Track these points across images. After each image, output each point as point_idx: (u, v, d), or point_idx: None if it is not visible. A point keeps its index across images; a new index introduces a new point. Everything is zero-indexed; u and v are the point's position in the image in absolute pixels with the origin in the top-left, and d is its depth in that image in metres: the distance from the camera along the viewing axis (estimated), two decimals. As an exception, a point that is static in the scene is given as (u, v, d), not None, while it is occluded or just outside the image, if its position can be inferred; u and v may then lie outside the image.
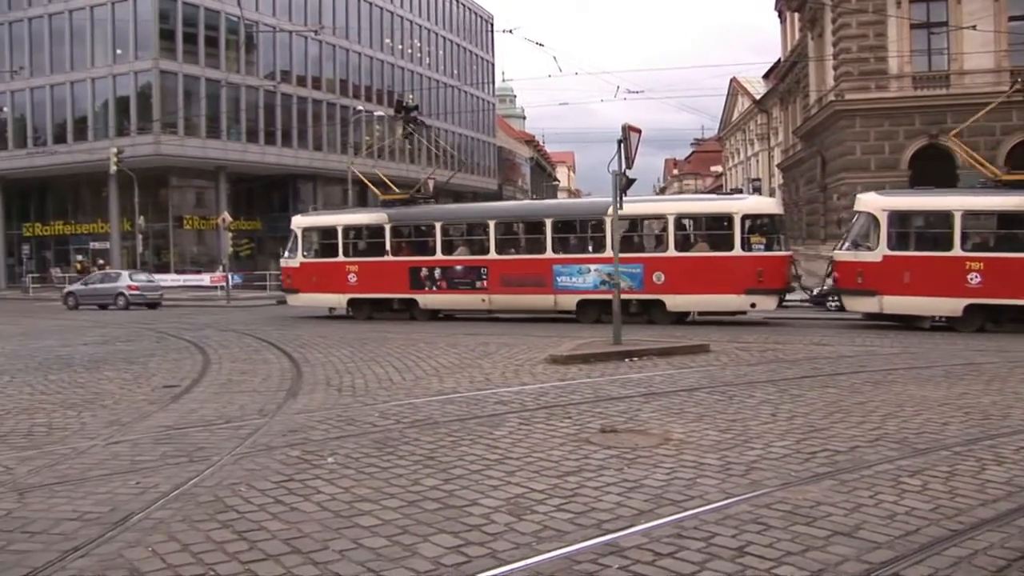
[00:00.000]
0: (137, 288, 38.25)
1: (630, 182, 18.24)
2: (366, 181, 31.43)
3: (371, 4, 72.70)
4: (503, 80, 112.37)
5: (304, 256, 28.63)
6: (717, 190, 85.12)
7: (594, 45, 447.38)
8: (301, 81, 65.29)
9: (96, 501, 7.10)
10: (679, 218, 24.07)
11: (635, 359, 15.40)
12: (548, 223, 24.94)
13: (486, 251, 25.73)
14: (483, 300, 25.68)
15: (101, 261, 57.44)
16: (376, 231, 27.45)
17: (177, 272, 55.00)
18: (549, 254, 24.76)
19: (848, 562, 5.39)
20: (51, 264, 61.44)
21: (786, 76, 58.01)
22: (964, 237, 20.94)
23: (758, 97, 72.17)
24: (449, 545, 5.85)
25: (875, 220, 21.83)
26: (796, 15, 51.82)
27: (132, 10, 55.68)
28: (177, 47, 56.50)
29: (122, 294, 37.16)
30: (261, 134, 61.25)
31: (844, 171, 37.64)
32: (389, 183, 31.28)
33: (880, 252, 21.51)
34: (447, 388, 12.56)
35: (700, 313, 24.68)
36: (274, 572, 5.48)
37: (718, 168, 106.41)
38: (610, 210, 20.83)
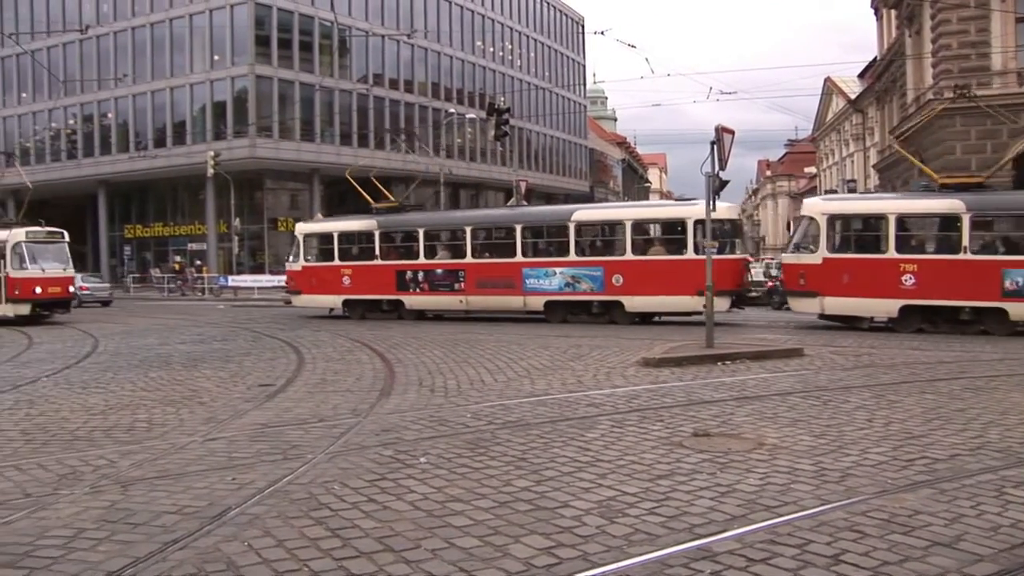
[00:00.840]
0: (87, 288, 42.45)
1: (723, 184, 18.05)
2: (357, 187, 32.87)
3: (462, 7, 73.16)
4: (594, 82, 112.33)
5: (306, 260, 30.48)
6: (811, 192, 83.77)
7: (686, 45, 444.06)
8: (393, 84, 65.98)
9: (194, 496, 7.27)
10: (636, 223, 25.19)
11: (728, 362, 15.22)
12: (518, 229, 26.42)
13: (463, 255, 27.22)
14: (461, 301, 27.24)
15: (199, 262, 58.71)
16: (367, 237, 29.25)
17: (272, 273, 55.93)
18: (519, 258, 26.17)
19: (949, 574, 5.27)
20: (151, 265, 62.96)
21: (882, 75, 56.78)
22: (898, 240, 21.56)
23: (853, 97, 70.80)
24: (540, 546, 5.86)
25: (816, 224, 22.54)
26: (893, 12, 50.68)
27: (229, 17, 56.88)
28: (272, 52, 57.55)
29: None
30: (355, 137, 62.00)
31: (944, 171, 36.70)
32: (381, 187, 33.13)
33: (820, 255, 22.19)
34: (539, 390, 12.56)
35: (662, 314, 25.64)
36: (367, 570, 5.55)
37: (812, 169, 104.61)
38: (575, 216, 25.70)
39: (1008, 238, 21.38)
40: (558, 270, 25.42)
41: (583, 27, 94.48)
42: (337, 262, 29.52)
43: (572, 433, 9.39)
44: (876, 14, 57.59)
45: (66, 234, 31.49)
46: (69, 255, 31.12)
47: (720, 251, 22.90)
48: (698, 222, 23.18)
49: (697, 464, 7.96)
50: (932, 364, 15.29)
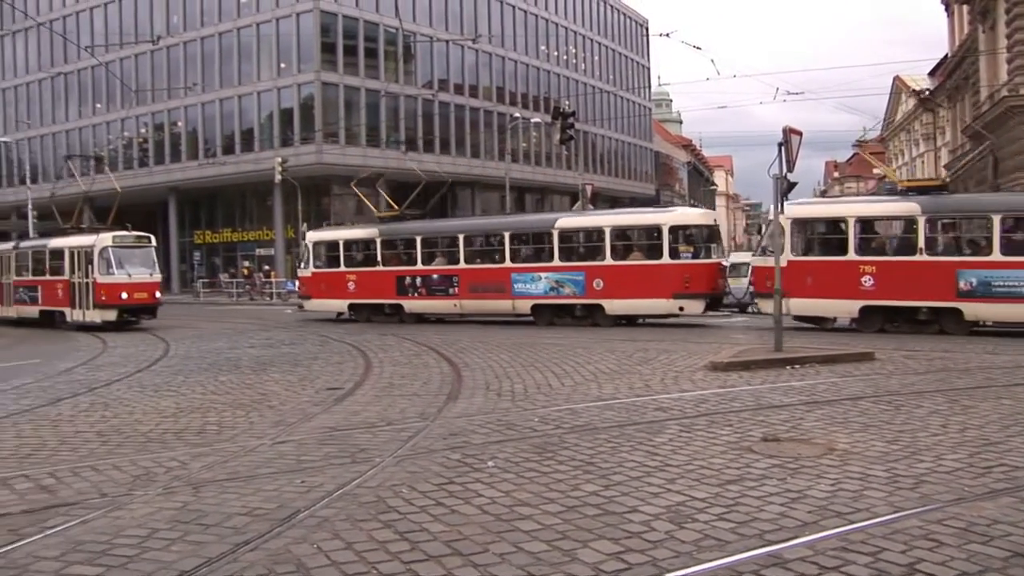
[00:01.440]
0: None
1: (791, 186, 17.83)
2: (362, 196, 35.66)
3: (526, 12, 73.25)
4: (659, 84, 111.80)
5: (315, 267, 32.31)
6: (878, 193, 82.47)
7: (752, 46, 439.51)
8: (458, 89, 66.25)
9: (264, 498, 7.36)
10: (614, 230, 26.15)
11: (797, 366, 15.03)
12: (506, 236, 27.82)
13: (457, 261, 28.51)
14: (455, 305, 28.58)
15: (267, 267, 59.37)
16: (370, 244, 30.94)
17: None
18: (507, 264, 27.47)
19: (1030, 585, 5.15)
20: (220, 270, 63.85)
21: (954, 72, 55.63)
22: (857, 242, 22.12)
23: (923, 95, 69.57)
24: (609, 551, 5.84)
25: (781, 228, 21.64)
26: (964, 7, 49.71)
27: (295, 25, 57.51)
28: (338, 59, 58.07)
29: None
30: (420, 142, 62.34)
31: (1019, 171, 35.85)
32: (388, 198, 36.26)
33: (785, 257, 21.76)
34: (606, 394, 12.51)
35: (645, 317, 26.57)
36: (435, 573, 5.57)
37: (881, 170, 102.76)
38: (558, 223, 27.00)
39: (962, 239, 21.95)
40: (543, 275, 26.69)
41: (647, 29, 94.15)
42: (343, 268, 31.27)
43: (640, 437, 9.34)
44: (947, 10, 56.52)
45: (153, 239, 31.37)
46: (156, 260, 30.86)
47: (695, 256, 25.01)
48: (672, 228, 24.86)
49: (767, 469, 7.87)
50: (1009, 369, 14.95)
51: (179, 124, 65.28)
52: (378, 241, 30.43)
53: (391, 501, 7.14)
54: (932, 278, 20.95)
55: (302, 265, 33.56)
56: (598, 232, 26.41)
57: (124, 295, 28.98)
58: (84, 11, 68.16)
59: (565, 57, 78.68)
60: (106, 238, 29.37)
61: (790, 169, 17.16)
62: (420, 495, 7.30)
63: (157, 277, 30.48)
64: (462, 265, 28.25)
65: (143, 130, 67.22)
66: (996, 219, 20.47)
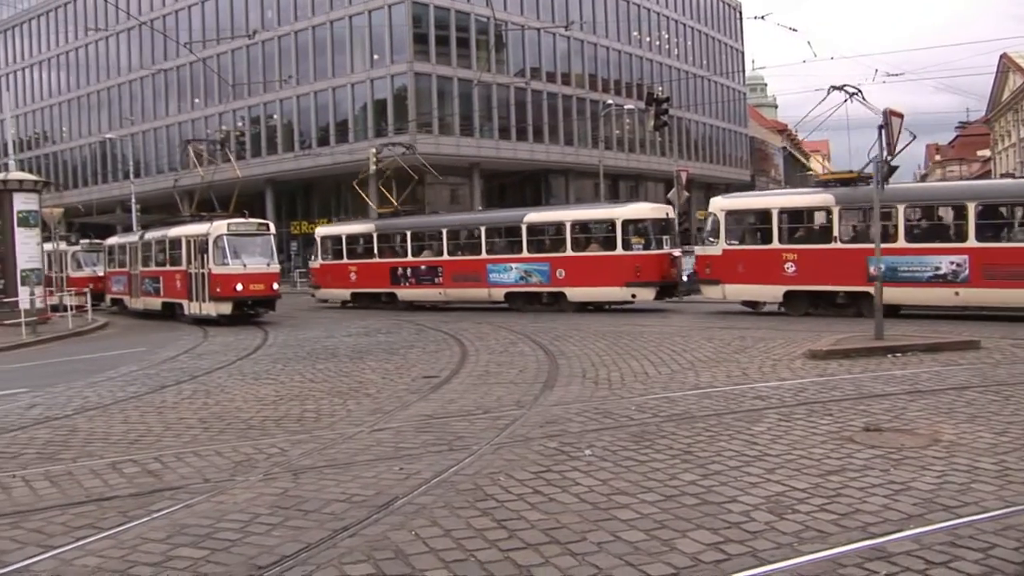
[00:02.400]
0: None
1: (892, 170, 17.44)
2: (364, 196, 38.74)
3: (618, -3, 72.83)
4: (753, 68, 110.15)
5: (323, 259, 35.41)
6: (985, 175, 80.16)
7: (850, 26, 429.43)
8: (551, 77, 66.12)
9: (362, 485, 7.45)
10: (574, 224, 28.51)
11: (898, 355, 14.67)
12: (483, 230, 30.42)
13: (441, 254, 31.34)
14: (440, 293, 31.40)
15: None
16: (368, 238, 34.11)
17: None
18: (484, 255, 30.04)
19: None
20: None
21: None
22: (780, 232, 23.75)
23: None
24: (708, 542, 5.78)
25: (717, 219, 24.94)
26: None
27: (387, 17, 57.98)
28: (430, 49, 58.39)
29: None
30: (513, 131, 62.42)
31: None
32: (390, 196, 38.84)
33: (720, 247, 24.70)
34: (703, 382, 12.39)
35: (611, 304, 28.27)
36: (533, 561, 5.56)
37: (986, 152, 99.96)
38: (526, 218, 29.26)
39: (871, 228, 20.38)
40: (514, 265, 29.28)
41: (740, 13, 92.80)
42: (345, 260, 34.54)
43: (738, 426, 9.23)
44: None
45: (272, 226, 29.73)
46: (274, 249, 28.89)
47: (646, 247, 27.16)
48: (624, 222, 27.14)
49: (869, 460, 7.70)
50: (1125, 357, 14.40)
51: (275, 117, 66.32)
52: (374, 236, 33.71)
53: (488, 489, 7.16)
54: (846, 264, 22.33)
55: (312, 257, 37.14)
56: (560, 226, 28.72)
57: (239, 287, 27.02)
58: (183, 9, 69.68)
59: (658, 43, 78.01)
60: (221, 226, 27.62)
61: (891, 152, 16.78)
62: (517, 483, 7.31)
63: (275, 267, 28.46)
64: (446, 257, 31.09)
65: (240, 123, 68.49)
66: (900, 208, 21.84)
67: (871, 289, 20.45)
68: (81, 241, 42.64)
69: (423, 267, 31.75)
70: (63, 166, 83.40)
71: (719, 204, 25.39)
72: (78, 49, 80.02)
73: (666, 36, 79.39)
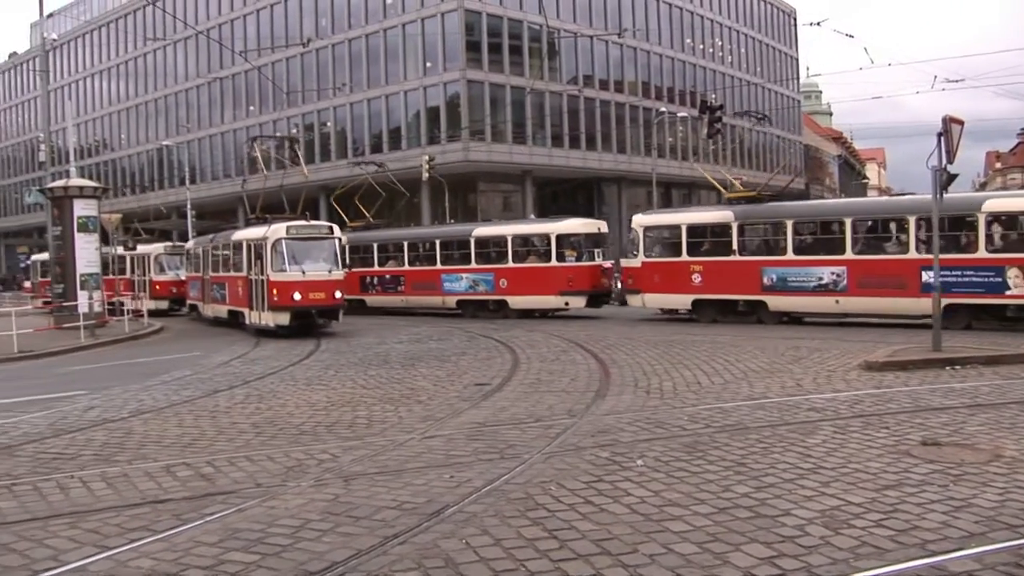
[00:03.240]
0: None
1: (951, 178, 17.08)
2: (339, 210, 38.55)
3: (671, 5, 72.46)
4: (808, 75, 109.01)
5: None
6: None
7: (908, 32, 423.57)
8: (603, 85, 65.96)
9: (413, 492, 7.45)
10: (515, 238, 31.20)
11: (957, 367, 14.42)
12: (437, 243, 33.40)
13: (402, 264, 34.36)
14: (402, 300, 34.25)
15: (416, 263, 60.21)
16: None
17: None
18: (439, 266, 32.86)
19: None
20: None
21: None
22: (688, 246, 26.27)
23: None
24: (761, 556, 5.71)
25: (637, 234, 27.60)
26: None
27: (440, 25, 58.15)
28: (483, 57, 58.47)
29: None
30: (565, 138, 62.35)
31: None
32: (364, 210, 40.04)
33: (640, 259, 27.41)
34: (757, 393, 12.28)
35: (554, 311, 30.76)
36: (584, 572, 5.53)
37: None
38: (474, 232, 32.24)
39: (766, 242, 25.55)
40: (464, 275, 32.14)
41: (795, 19, 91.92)
42: None
43: (792, 438, 9.11)
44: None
45: (336, 228, 26.96)
46: (339, 254, 26.18)
47: (578, 259, 29.76)
48: (559, 236, 29.79)
49: (927, 475, 7.55)
50: None
51: (328, 124, 66.75)
52: (347, 246, 33.79)
53: (539, 498, 7.13)
54: (744, 275, 24.84)
55: None
56: (503, 240, 31.35)
57: (297, 295, 24.49)
58: (238, 18, 70.44)
59: (711, 50, 77.53)
60: (280, 229, 25.24)
61: (950, 160, 16.46)
62: (569, 492, 7.27)
63: (338, 274, 25.74)
64: (406, 267, 34.14)
65: (294, 131, 69.06)
66: (789, 224, 24.28)
67: (764, 297, 24.63)
68: (165, 244, 42.61)
69: (387, 276, 34.99)
70: (121, 173, 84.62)
71: (639, 221, 28.11)
72: (137, 58, 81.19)
73: (720, 43, 78.87)
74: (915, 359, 14.85)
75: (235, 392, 14.09)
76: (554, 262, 29.62)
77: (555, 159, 61.25)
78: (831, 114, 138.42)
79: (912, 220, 22.20)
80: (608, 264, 31.12)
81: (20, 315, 24.71)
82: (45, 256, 40.77)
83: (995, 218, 21.53)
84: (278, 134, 66.55)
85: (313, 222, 27.11)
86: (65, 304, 28.31)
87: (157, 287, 39.60)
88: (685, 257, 26.17)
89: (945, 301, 19.95)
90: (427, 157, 50.97)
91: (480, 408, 11.69)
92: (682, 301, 26.55)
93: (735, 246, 25.16)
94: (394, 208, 66.83)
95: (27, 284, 67.09)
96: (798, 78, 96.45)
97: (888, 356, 15.11)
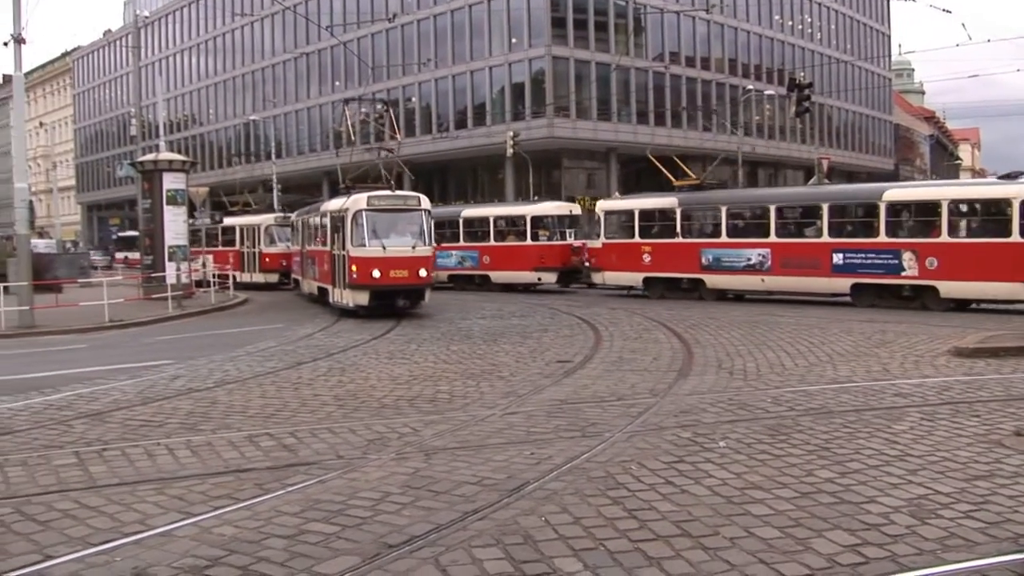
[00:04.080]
0: None
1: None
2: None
3: (760, -20, 71.31)
4: (900, 53, 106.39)
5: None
6: None
7: (1007, 6, 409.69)
8: (690, 62, 65.25)
9: (494, 468, 7.47)
10: (496, 218, 35.14)
11: (1053, 354, 14.00)
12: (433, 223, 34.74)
13: None
14: None
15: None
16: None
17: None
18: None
19: None
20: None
21: None
22: (640, 229, 29.08)
23: None
24: (845, 543, 5.59)
25: (599, 218, 30.77)
26: None
27: (526, 0, 57.95)
28: (568, 33, 58.16)
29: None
30: (651, 115, 61.84)
31: None
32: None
33: (601, 241, 30.39)
34: (842, 376, 12.05)
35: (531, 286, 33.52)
36: (663, 553, 5.48)
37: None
38: (462, 214, 36.46)
39: (704, 226, 28.13)
40: (454, 252, 35.58)
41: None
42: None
43: (878, 424, 8.92)
44: None
45: (424, 199, 24.25)
46: (427, 227, 23.57)
47: (550, 239, 33.23)
48: (533, 218, 33.44)
49: (1020, 467, 7.33)
50: None
51: (413, 100, 67.02)
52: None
53: (620, 477, 7.09)
54: (686, 255, 27.57)
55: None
56: (487, 220, 35.18)
57: (376, 273, 22.31)
58: (326, -6, 71.06)
59: (800, 26, 76.10)
60: (360, 199, 23.09)
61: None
62: (649, 472, 7.22)
63: (423, 250, 23.26)
64: None
65: (379, 106, 69.49)
66: (723, 210, 26.87)
67: (703, 276, 27.22)
68: (275, 214, 40.97)
69: None
70: (209, 147, 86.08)
71: (601, 206, 31.57)
72: (225, 34, 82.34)
73: (809, 20, 77.36)
74: (1008, 346, 14.41)
75: (318, 364, 14.27)
76: (528, 241, 33.40)
77: (640, 136, 60.75)
78: (923, 93, 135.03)
79: (825, 208, 24.62)
80: (578, 243, 33.87)
81: (111, 285, 25.28)
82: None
83: (893, 207, 23.53)
84: (363, 110, 67.08)
85: (399, 192, 24.81)
86: (154, 275, 28.94)
87: (267, 259, 38.19)
88: (637, 239, 29.01)
89: (852, 281, 23.93)
90: (511, 133, 50.96)
91: (562, 385, 11.67)
92: (635, 279, 29.17)
93: (678, 229, 28.05)
94: (478, 185, 67.32)
95: (117, 255, 68.73)
96: (890, 56, 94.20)
97: (979, 342, 14.70)
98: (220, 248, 39.87)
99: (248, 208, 45.41)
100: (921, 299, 22.74)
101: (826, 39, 79.35)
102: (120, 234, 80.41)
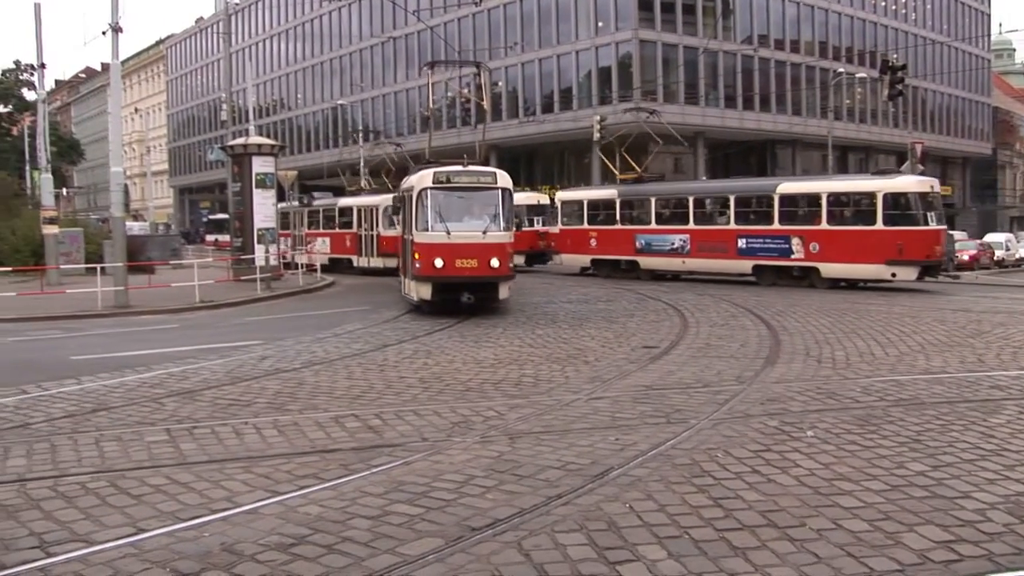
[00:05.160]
0: None
1: None
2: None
3: (854, -39, 69.82)
4: (1000, 32, 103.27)
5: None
6: None
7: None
8: (779, 45, 64.17)
9: (578, 453, 7.44)
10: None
11: None
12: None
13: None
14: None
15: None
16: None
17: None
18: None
19: None
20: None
21: None
22: (588, 217, 33.53)
23: None
24: (937, 539, 5.44)
25: (557, 207, 35.42)
26: None
27: (612, -17, 57.58)
28: (655, 16, 57.60)
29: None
30: (739, 99, 61.03)
31: None
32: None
33: (559, 227, 34.84)
34: (934, 367, 11.76)
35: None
36: (749, 544, 5.41)
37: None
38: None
39: (639, 214, 31.96)
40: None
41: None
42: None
43: (973, 417, 8.67)
44: None
45: (503, 176, 20.42)
46: (504, 209, 19.78)
47: (519, 227, 31.34)
48: (529, 207, 38.01)
49: (1126, 464, 7.05)
50: None
51: (500, 84, 67.06)
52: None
53: (705, 465, 7.02)
54: (624, 240, 31.79)
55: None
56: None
57: (439, 262, 18.91)
58: (414, -22, 71.39)
59: (894, 7, 74.36)
60: (427, 176, 19.73)
61: None
62: (735, 461, 7.13)
63: (499, 236, 19.40)
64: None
65: (465, 90, 69.69)
66: (653, 200, 31.32)
67: (637, 258, 31.43)
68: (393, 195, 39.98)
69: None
70: (297, 131, 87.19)
71: (559, 196, 36.56)
72: (313, 20, 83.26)
73: (903, 0, 75.58)
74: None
75: (403, 347, 14.37)
76: (525, 228, 35.88)
77: (728, 121, 60.06)
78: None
79: (732, 199, 28.97)
80: (543, 229, 37.59)
81: (202, 267, 25.77)
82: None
83: (785, 198, 27.36)
84: (449, 94, 67.28)
85: (472, 167, 20.50)
86: (243, 257, 29.43)
87: (384, 243, 34.49)
88: (586, 226, 33.40)
89: (754, 263, 27.93)
90: (598, 117, 50.67)
91: (647, 371, 11.59)
92: (585, 260, 33.81)
93: (618, 217, 32.34)
94: (564, 169, 67.18)
95: (209, 238, 70.09)
96: (989, 35, 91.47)
97: (1080, 332, 14.27)
98: (337, 230, 38.91)
99: (364, 190, 44.26)
100: (809, 279, 26.48)
101: (921, 20, 77.39)
102: (210, 217, 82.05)
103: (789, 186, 28.20)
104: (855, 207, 26.44)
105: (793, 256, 26.79)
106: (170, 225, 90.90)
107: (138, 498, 6.47)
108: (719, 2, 60.53)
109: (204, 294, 23.35)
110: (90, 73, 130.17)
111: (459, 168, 20.20)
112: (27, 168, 52.73)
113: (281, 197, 34.19)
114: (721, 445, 7.61)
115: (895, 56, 51.83)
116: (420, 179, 19.72)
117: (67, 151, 70.27)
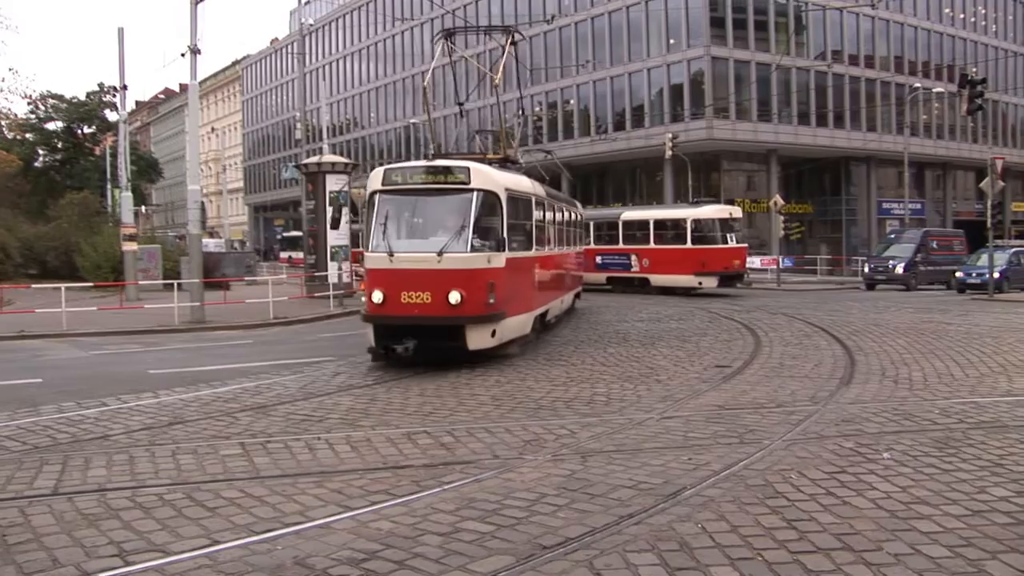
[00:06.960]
0: None
1: None
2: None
3: (931, -27, 68.74)
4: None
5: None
6: None
7: None
8: (853, 60, 63.42)
9: (650, 472, 7.39)
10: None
11: None
12: None
13: None
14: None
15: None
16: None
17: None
18: None
19: None
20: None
21: None
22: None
23: None
24: (1022, 567, 5.29)
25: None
26: None
27: (684, 1, 57.34)
28: (727, 33, 57.34)
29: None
30: (812, 116, 60.41)
31: None
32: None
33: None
34: (1017, 388, 11.48)
35: None
36: (823, 567, 5.34)
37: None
38: None
39: (601, 236, 36.07)
40: None
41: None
42: None
43: (1059, 440, 8.45)
44: None
45: (479, 172, 14.48)
46: (481, 219, 14.18)
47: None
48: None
49: None
50: None
51: (571, 102, 67.14)
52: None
53: (779, 486, 6.93)
54: (588, 258, 32.68)
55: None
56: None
57: (377, 296, 13.82)
58: (483, -1, 71.93)
59: (973, 19, 73.01)
60: (376, 176, 14.69)
61: None
62: (809, 482, 7.03)
63: (468, 259, 13.84)
64: None
65: (538, 108, 69.86)
66: (620, 223, 35.29)
67: (599, 275, 34.75)
68: None
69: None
70: (370, 150, 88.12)
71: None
72: (385, 40, 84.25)
73: (982, 12, 74.13)
74: None
75: (475, 364, 14.38)
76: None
77: (801, 137, 59.48)
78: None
79: (592, 224, 35.21)
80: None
81: (276, 284, 26.11)
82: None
83: (625, 223, 35.22)
84: (522, 112, 67.46)
85: (437, 162, 14.85)
86: (317, 274, 29.77)
87: None
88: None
89: (607, 275, 35.17)
90: (670, 135, 50.48)
91: (720, 390, 11.48)
92: None
93: (590, 238, 35.32)
94: (636, 187, 66.97)
95: (283, 255, 71.04)
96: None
97: None
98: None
99: None
100: (644, 288, 33.53)
101: (1002, 31, 75.87)
102: (284, 234, 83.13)
103: (629, 214, 36.57)
104: (673, 230, 33.92)
105: (632, 269, 34.74)
106: (245, 242, 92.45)
107: (213, 510, 6.58)
108: (792, 18, 60.07)
109: (278, 310, 23.66)
110: (169, 94, 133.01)
111: (415, 164, 15.24)
112: (108, 186, 53.82)
113: (354, 214, 34.68)
114: (795, 466, 7.51)
115: (974, 70, 50.97)
116: (371, 180, 14.77)
117: (146, 170, 71.62)
